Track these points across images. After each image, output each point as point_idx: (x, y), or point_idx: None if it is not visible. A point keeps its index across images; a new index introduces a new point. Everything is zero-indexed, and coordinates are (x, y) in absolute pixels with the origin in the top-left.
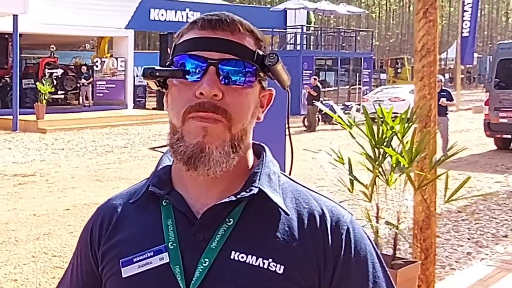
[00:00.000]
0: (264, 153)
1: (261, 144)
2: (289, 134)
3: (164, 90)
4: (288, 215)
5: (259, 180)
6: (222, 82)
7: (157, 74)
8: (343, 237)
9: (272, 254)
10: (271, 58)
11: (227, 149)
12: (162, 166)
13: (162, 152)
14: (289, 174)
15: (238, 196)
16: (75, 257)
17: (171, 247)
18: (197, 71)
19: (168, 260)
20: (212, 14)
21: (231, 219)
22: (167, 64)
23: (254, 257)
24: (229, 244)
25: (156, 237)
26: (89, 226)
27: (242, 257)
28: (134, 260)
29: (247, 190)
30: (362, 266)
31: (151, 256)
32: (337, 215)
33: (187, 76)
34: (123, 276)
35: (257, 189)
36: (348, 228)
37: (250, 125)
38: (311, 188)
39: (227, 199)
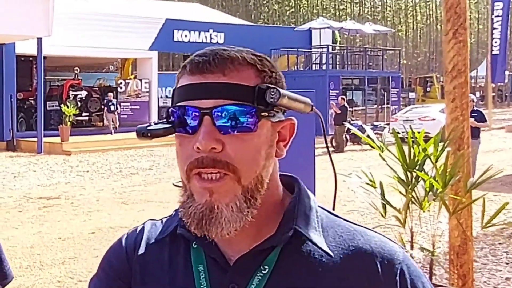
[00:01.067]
0: (297, 187)
1: (292, 175)
2: (331, 160)
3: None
4: (331, 256)
5: (295, 220)
6: (221, 132)
7: (149, 134)
8: (397, 278)
9: None
10: (272, 94)
11: (239, 204)
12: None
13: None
14: (333, 208)
15: (272, 243)
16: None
17: None
18: (192, 122)
19: None
20: (201, 54)
21: (266, 266)
22: (165, 116)
23: None
24: None
25: (187, 283)
26: (115, 256)
27: None
28: None
29: (282, 233)
30: None
31: None
32: (388, 252)
33: (183, 129)
34: None
35: (291, 231)
36: (402, 268)
37: (266, 169)
38: (354, 222)
39: (260, 247)
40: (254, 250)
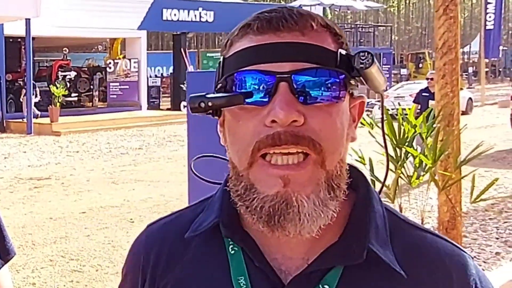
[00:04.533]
0: (363, 184)
1: (355, 166)
2: (386, 146)
3: (216, 117)
4: (404, 277)
5: (367, 234)
6: (301, 101)
7: (210, 104)
8: None
9: None
10: (363, 58)
11: (323, 195)
12: (223, 195)
13: (203, 179)
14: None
15: (338, 260)
16: None
17: None
18: (263, 91)
19: None
20: (270, 11)
21: (326, 286)
22: (218, 86)
23: None
24: None
25: None
26: (139, 261)
27: None
28: None
29: (351, 249)
30: None
31: None
32: (462, 265)
33: (249, 100)
34: None
35: (365, 252)
36: (476, 282)
37: (347, 152)
38: (420, 226)
39: (325, 264)
40: (313, 266)
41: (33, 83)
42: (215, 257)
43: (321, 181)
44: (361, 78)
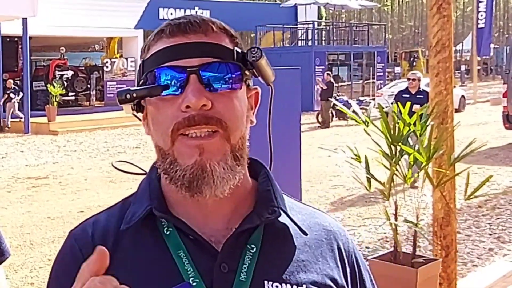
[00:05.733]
0: (264, 169)
1: (254, 158)
2: (269, 135)
3: (139, 113)
4: (306, 234)
5: (275, 200)
6: (208, 90)
7: (134, 95)
8: (350, 246)
9: (303, 279)
10: (254, 52)
11: (230, 162)
12: (150, 186)
13: (125, 171)
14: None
15: (256, 221)
16: None
17: (194, 283)
18: (177, 83)
19: None
20: (179, 18)
21: (253, 246)
22: (140, 82)
23: (289, 285)
24: (258, 274)
25: (171, 273)
26: (73, 264)
27: (277, 287)
28: None
29: (262, 213)
30: (368, 273)
31: None
32: (341, 230)
33: (166, 92)
34: None
35: (279, 210)
36: (350, 239)
37: (247, 131)
38: (305, 203)
39: (248, 225)
40: (239, 230)
41: (14, 84)
42: (153, 241)
43: (227, 152)
44: (253, 70)
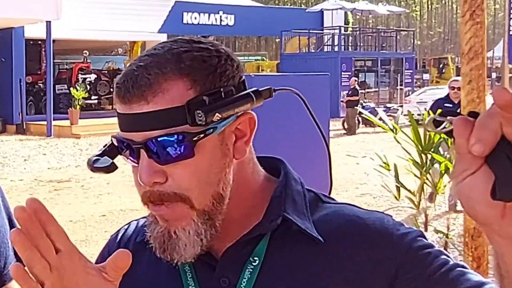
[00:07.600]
0: (282, 170)
1: (276, 157)
2: (329, 156)
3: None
4: (322, 242)
5: (282, 206)
6: (159, 163)
7: (97, 171)
8: (400, 258)
9: None
10: (200, 117)
11: (196, 228)
12: None
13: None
14: (329, 191)
15: (259, 230)
16: None
17: None
18: (133, 153)
19: None
20: (125, 76)
21: (256, 258)
22: (110, 143)
23: None
24: (258, 287)
25: (173, 284)
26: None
27: None
28: None
29: (269, 221)
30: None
31: None
32: (384, 235)
33: (128, 159)
34: None
35: (280, 218)
36: (397, 248)
37: (223, 182)
38: (343, 202)
39: (246, 236)
40: (241, 240)
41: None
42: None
43: (193, 217)
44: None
